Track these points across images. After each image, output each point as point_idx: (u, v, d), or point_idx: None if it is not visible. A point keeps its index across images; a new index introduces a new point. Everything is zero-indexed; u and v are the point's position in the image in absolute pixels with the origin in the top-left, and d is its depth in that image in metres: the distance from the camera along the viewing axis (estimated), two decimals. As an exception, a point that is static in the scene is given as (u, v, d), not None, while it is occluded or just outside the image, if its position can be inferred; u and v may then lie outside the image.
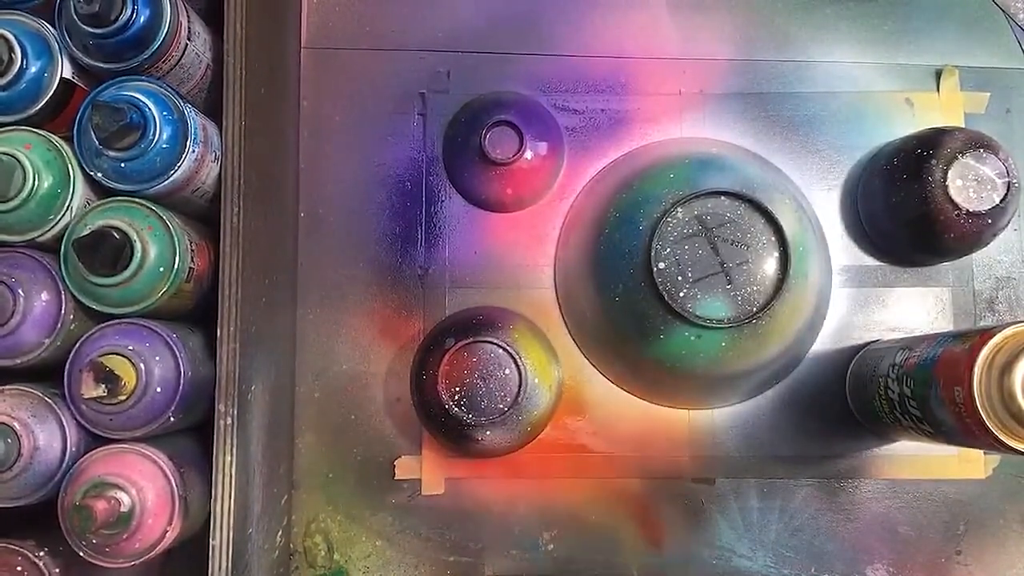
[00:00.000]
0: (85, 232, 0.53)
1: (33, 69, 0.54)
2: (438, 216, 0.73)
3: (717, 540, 0.70)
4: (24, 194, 0.52)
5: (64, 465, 0.54)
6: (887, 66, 0.76)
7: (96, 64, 0.55)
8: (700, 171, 0.65)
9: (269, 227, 0.65)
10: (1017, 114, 0.75)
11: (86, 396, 0.52)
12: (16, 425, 0.52)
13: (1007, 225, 0.67)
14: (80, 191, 0.55)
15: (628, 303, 0.63)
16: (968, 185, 0.65)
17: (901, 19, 0.76)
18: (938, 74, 0.75)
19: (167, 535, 0.54)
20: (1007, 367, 0.51)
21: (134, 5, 0.53)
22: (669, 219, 0.61)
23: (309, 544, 0.70)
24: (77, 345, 0.55)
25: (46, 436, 0.53)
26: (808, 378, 0.72)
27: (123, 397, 0.53)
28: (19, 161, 0.52)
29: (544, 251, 0.73)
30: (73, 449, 0.54)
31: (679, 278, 0.61)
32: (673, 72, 0.75)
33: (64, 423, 0.54)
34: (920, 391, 0.59)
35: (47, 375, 0.56)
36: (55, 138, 0.55)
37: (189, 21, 0.58)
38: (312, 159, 0.74)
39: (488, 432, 0.63)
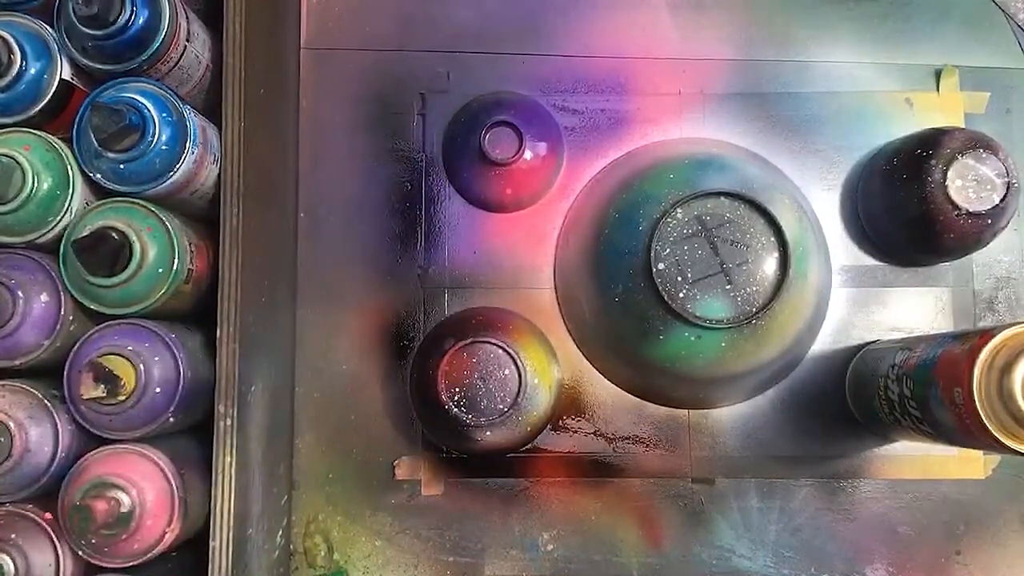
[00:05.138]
0: (84, 233, 0.53)
1: (32, 71, 0.54)
2: (438, 216, 0.73)
3: (717, 540, 0.70)
4: (23, 195, 0.52)
5: (52, 469, 0.54)
6: (887, 66, 0.76)
7: (95, 65, 0.55)
8: (700, 171, 0.65)
9: (269, 227, 0.65)
10: (1017, 114, 0.75)
11: (86, 396, 0.52)
12: (11, 424, 0.52)
13: (1007, 225, 0.67)
14: (79, 192, 0.55)
15: (628, 303, 0.63)
16: (968, 185, 0.65)
17: (901, 19, 0.76)
18: (938, 74, 0.75)
19: (167, 536, 0.54)
20: (1007, 368, 0.51)
21: (133, 6, 0.53)
22: (669, 219, 0.61)
23: (309, 544, 0.70)
24: (76, 346, 0.55)
25: (38, 438, 0.53)
26: (808, 378, 0.72)
27: (122, 397, 0.53)
28: (18, 162, 0.52)
29: (544, 251, 0.73)
30: (63, 454, 0.54)
31: (679, 278, 0.61)
32: (673, 72, 0.75)
33: (59, 427, 0.54)
34: (920, 392, 0.58)
35: (47, 376, 0.56)
36: (54, 139, 0.55)
37: (188, 22, 0.58)
38: (312, 159, 0.74)
39: (488, 432, 0.63)
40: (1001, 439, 0.51)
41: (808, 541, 0.70)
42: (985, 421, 0.51)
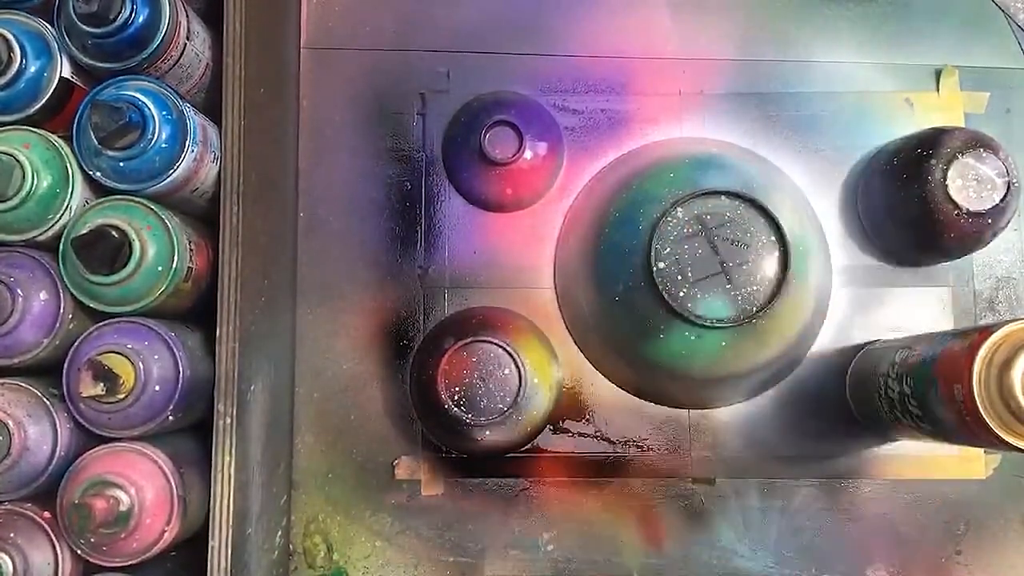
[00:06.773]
0: (84, 231, 0.53)
1: (32, 69, 0.54)
2: (438, 216, 0.73)
3: (717, 540, 0.70)
4: (23, 193, 0.52)
5: (51, 468, 0.54)
6: (887, 66, 0.76)
7: (95, 63, 0.55)
8: (700, 171, 0.65)
9: (269, 227, 0.65)
10: (1017, 114, 0.75)
11: (85, 394, 0.52)
12: (10, 423, 0.52)
13: (1007, 225, 0.67)
14: (79, 190, 0.55)
15: (628, 303, 0.63)
16: (968, 185, 0.65)
17: (901, 19, 0.76)
18: (938, 74, 0.75)
19: (165, 535, 0.54)
20: (1006, 364, 0.51)
21: (133, 4, 0.53)
22: (669, 219, 0.61)
23: (308, 544, 0.69)
24: (76, 344, 0.55)
25: (37, 436, 0.53)
26: (808, 378, 0.71)
27: (121, 396, 0.53)
28: (18, 160, 0.52)
29: (544, 251, 0.73)
30: (62, 453, 0.54)
31: (679, 278, 0.61)
32: (673, 72, 0.75)
33: (57, 425, 0.54)
34: (920, 390, 0.58)
35: (46, 374, 0.56)
36: (54, 137, 0.55)
37: (188, 20, 0.58)
38: (312, 159, 0.73)
39: (488, 432, 0.63)
40: (1001, 435, 0.51)
41: (809, 541, 0.70)
42: (985, 417, 0.51)
